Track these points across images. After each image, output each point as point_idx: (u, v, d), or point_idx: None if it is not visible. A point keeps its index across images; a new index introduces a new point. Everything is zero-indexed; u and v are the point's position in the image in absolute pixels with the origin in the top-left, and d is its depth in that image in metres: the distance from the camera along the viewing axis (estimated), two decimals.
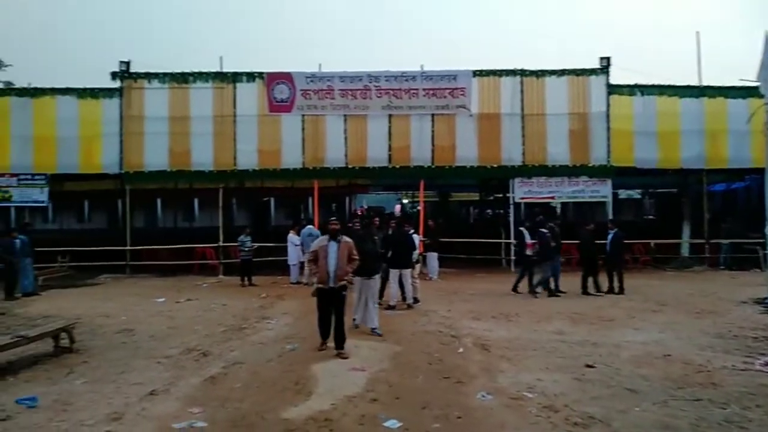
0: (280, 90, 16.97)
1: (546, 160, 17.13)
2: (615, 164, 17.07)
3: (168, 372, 6.90)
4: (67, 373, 6.96)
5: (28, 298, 13.30)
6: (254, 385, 6.25)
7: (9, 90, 17.95)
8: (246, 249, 15.11)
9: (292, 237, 15.12)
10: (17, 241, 13.62)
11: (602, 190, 17.25)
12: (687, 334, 8.60)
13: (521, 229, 13.35)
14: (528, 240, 12.97)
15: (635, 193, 30.14)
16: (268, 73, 17.09)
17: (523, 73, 17.07)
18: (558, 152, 17.10)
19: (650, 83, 17.44)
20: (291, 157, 17.17)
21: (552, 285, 12.53)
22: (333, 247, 7.55)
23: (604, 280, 12.66)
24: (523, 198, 17.45)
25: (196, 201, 30.75)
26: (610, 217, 16.17)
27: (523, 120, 17.04)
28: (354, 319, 8.81)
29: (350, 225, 13.67)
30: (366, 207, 37.24)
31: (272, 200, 32.65)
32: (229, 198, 23.17)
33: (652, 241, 18.04)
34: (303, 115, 17.10)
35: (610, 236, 12.94)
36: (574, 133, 17.21)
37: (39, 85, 17.33)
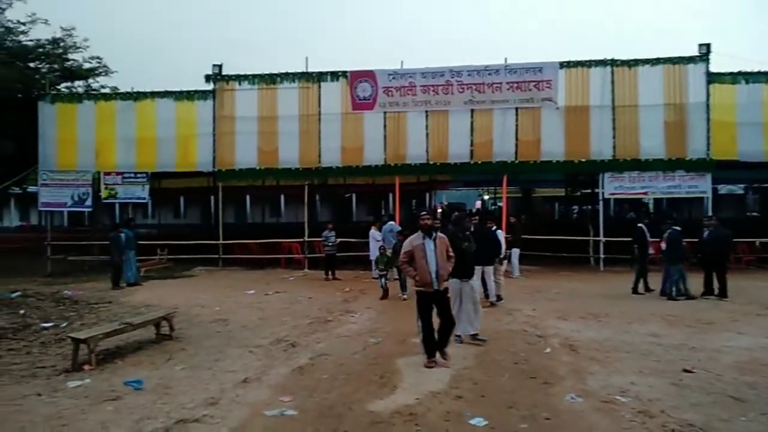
0: (363, 88, 17.20)
1: (639, 153, 16.24)
2: (715, 157, 15.93)
3: (259, 361, 7.21)
4: (167, 359, 7.44)
5: (132, 288, 14.36)
6: (340, 377, 6.40)
7: (115, 95, 19.30)
8: (330, 244, 15.49)
9: (374, 233, 15.29)
10: (122, 235, 14.71)
11: (701, 185, 16.15)
12: None
13: (641, 225, 12.59)
14: (649, 238, 12.31)
15: (737, 188, 28.11)
16: (352, 72, 17.37)
17: (613, 63, 16.27)
18: (652, 145, 16.16)
19: (755, 70, 16.15)
20: (373, 154, 17.35)
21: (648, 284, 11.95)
22: (430, 245, 6.75)
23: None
24: (613, 194, 16.70)
25: (282, 197, 31.97)
26: (710, 213, 15.14)
27: (614, 112, 16.24)
28: (457, 336, 7.73)
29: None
30: (446, 203, 37.14)
31: (354, 196, 33.29)
32: (313, 194, 23.81)
33: (758, 240, 16.74)
34: (385, 113, 17.23)
35: (706, 234, 12.09)
36: (670, 125, 16.20)
37: (140, 89, 18.55)
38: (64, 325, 9.78)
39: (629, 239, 13.20)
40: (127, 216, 19.27)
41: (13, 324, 9.72)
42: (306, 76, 17.59)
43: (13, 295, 12.69)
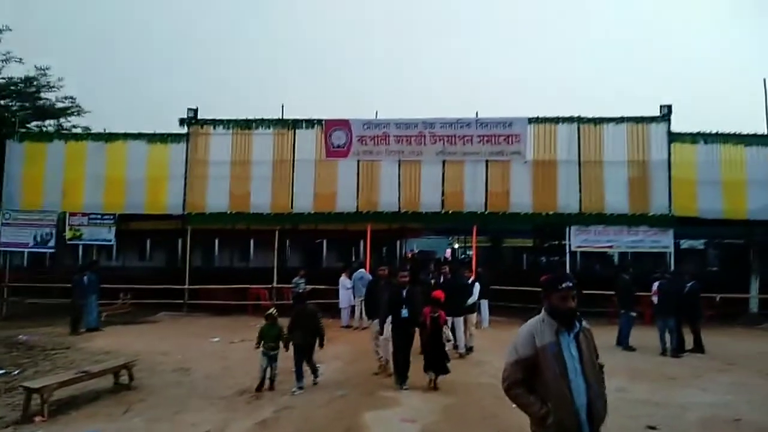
0: (338, 136, 17.45)
1: (604, 208, 16.71)
2: (677, 214, 16.47)
3: (221, 414, 7.00)
4: (125, 410, 7.19)
5: (92, 333, 13.88)
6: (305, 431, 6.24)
7: (86, 135, 19.12)
8: (300, 291, 15.27)
9: (344, 280, 15.21)
10: (85, 278, 14.32)
11: (663, 240, 16.61)
12: (759, 396, 8.06)
13: (625, 276, 12.72)
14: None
15: (698, 244, 28.92)
16: (327, 120, 17.63)
17: (580, 120, 16.92)
18: (616, 200, 16.67)
19: (713, 131, 16.94)
20: (345, 201, 17.47)
21: None
22: (570, 346, 3.29)
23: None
24: (579, 246, 17.02)
25: (251, 242, 31.58)
26: (672, 268, 15.54)
27: (581, 167, 16.80)
28: None
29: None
30: (416, 251, 37.22)
31: (324, 242, 33.13)
32: (284, 240, 23.61)
33: (717, 296, 17.10)
34: (359, 161, 17.44)
35: (687, 288, 12.30)
36: (634, 182, 16.79)
37: (113, 130, 18.41)
38: (17, 372, 9.39)
39: (599, 292, 13.46)
40: (92, 258, 18.82)
41: None
42: (281, 123, 17.78)
43: None
